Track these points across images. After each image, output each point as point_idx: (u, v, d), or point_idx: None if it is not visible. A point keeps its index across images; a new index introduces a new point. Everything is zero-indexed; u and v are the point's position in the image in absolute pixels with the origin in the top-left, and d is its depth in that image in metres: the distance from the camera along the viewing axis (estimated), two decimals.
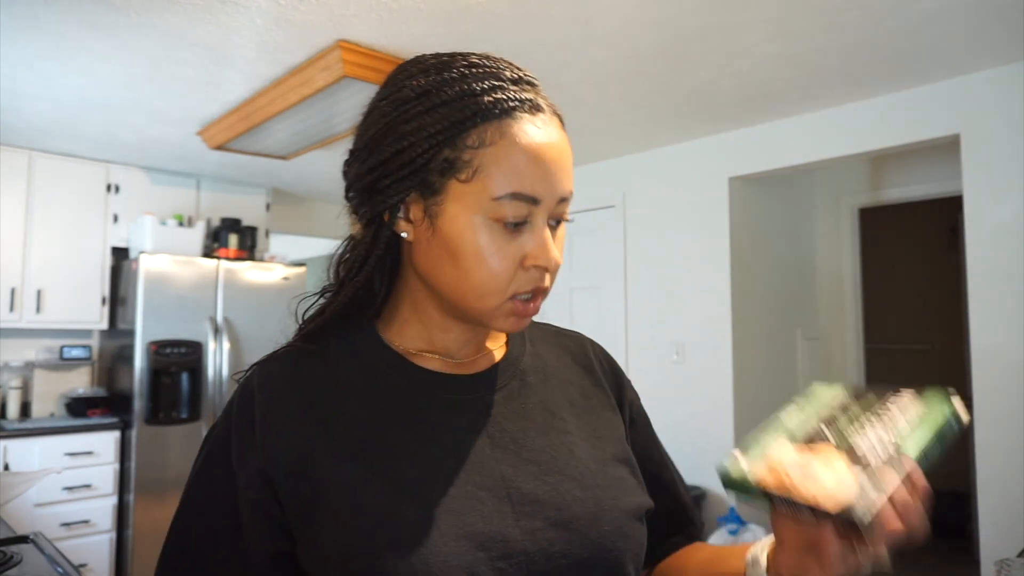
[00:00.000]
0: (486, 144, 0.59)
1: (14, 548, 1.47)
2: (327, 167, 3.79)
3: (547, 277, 0.62)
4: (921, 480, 0.52)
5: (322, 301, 0.70)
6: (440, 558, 0.55)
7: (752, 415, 3.30)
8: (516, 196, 0.59)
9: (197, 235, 3.77)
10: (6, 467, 3.15)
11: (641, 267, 3.62)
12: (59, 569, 1.38)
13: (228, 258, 3.78)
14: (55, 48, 2.32)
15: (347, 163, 0.67)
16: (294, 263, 4.02)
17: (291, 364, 0.65)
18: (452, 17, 2.10)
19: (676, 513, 0.77)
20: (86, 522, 3.32)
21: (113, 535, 3.41)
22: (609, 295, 3.75)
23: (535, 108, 0.62)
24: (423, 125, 0.60)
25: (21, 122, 3.12)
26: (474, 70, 0.62)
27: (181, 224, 3.79)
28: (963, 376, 3.93)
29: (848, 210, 3.91)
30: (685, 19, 2.11)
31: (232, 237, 3.91)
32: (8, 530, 1.74)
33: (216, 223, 4.08)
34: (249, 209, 4.30)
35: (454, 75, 0.61)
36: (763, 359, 3.42)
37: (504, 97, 0.60)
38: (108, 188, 3.78)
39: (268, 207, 4.43)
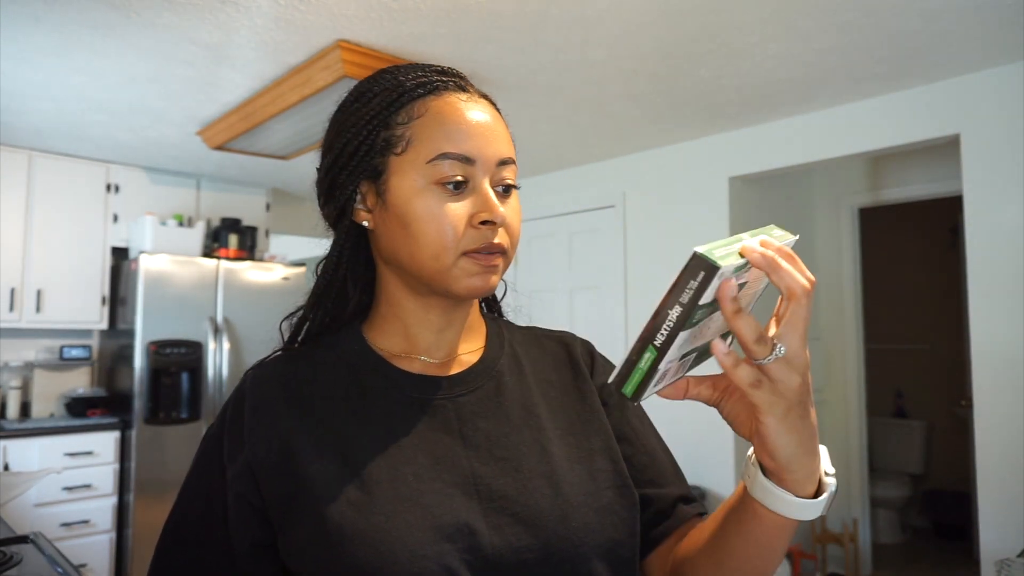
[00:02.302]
0: (414, 118, 0.66)
1: (14, 548, 1.47)
2: None
3: (499, 233, 0.65)
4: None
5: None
6: (408, 548, 0.57)
7: None
8: (447, 155, 0.64)
9: (197, 235, 3.77)
10: (6, 467, 3.15)
11: (641, 267, 3.62)
12: (59, 569, 1.38)
13: (228, 258, 3.78)
14: (55, 47, 2.32)
15: (316, 179, 0.73)
16: (294, 263, 4.02)
17: (281, 367, 0.70)
18: (452, 17, 2.10)
19: (657, 500, 0.72)
20: (86, 522, 3.32)
21: (113, 535, 3.41)
22: (609, 295, 3.75)
23: (460, 88, 0.68)
24: (360, 116, 0.68)
25: (21, 122, 3.12)
26: (401, 69, 0.70)
27: (181, 224, 3.79)
28: (963, 376, 3.94)
29: (848, 210, 3.91)
30: (685, 19, 2.11)
31: (232, 237, 3.91)
32: (8, 530, 1.74)
33: (216, 223, 4.08)
34: (249, 209, 4.30)
35: (385, 75, 0.70)
36: None
37: (427, 80, 0.67)
38: (108, 188, 3.78)
39: (268, 207, 4.43)
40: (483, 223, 0.64)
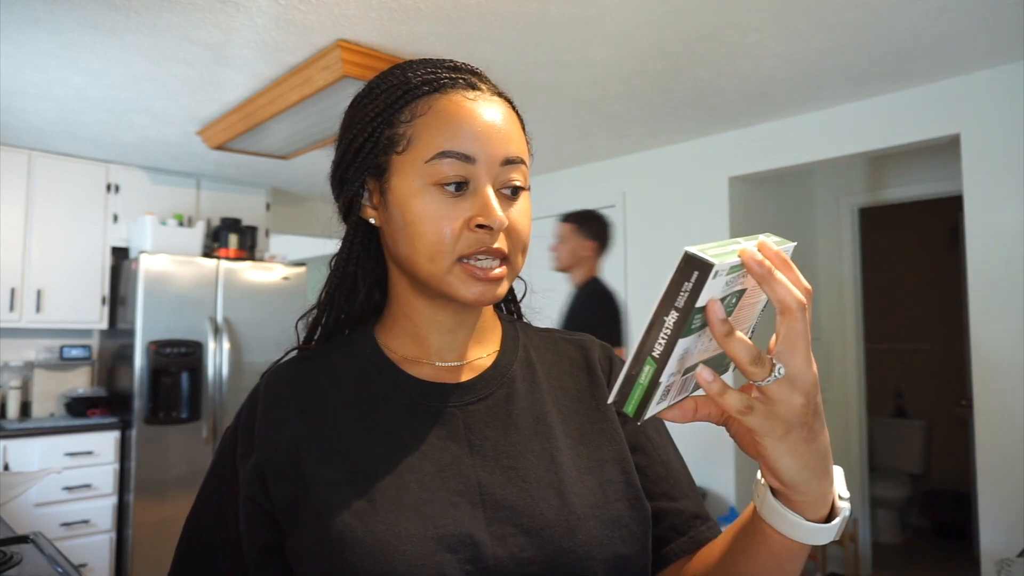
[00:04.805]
0: (417, 116, 0.64)
1: (14, 548, 1.47)
2: (327, 167, 3.72)
3: (499, 238, 0.63)
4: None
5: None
6: (406, 558, 0.56)
7: None
8: (445, 154, 0.62)
9: (197, 235, 3.77)
10: (6, 467, 3.15)
11: (641, 267, 3.62)
12: (59, 569, 1.38)
13: (228, 258, 3.78)
14: (55, 47, 2.32)
15: (330, 172, 0.73)
16: (294, 263, 4.02)
17: (294, 369, 0.69)
18: (452, 17, 2.10)
19: (670, 514, 0.70)
20: (86, 522, 3.32)
21: (113, 535, 3.40)
22: None
23: (470, 86, 0.66)
24: (366, 112, 0.67)
25: (21, 122, 3.12)
26: (412, 64, 0.68)
27: (181, 224, 3.79)
28: (963, 376, 3.94)
29: (848, 210, 3.91)
30: (685, 19, 2.11)
31: (232, 237, 3.91)
32: (8, 530, 1.74)
33: (216, 223, 4.08)
34: (249, 209, 4.30)
35: (395, 71, 0.68)
36: None
37: (434, 77, 0.65)
38: (108, 188, 3.78)
39: (268, 207, 4.43)
40: (480, 226, 0.62)
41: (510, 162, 0.64)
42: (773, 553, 0.55)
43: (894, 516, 4.38)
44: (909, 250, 4.91)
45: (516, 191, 0.65)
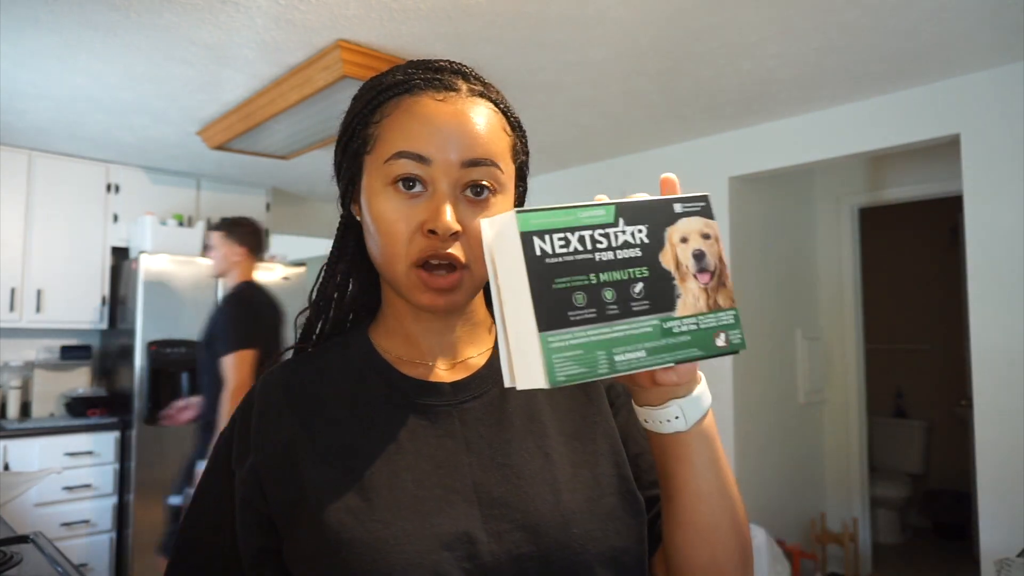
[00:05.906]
0: (385, 117, 0.65)
1: (14, 548, 1.47)
2: (327, 167, 3.73)
3: (454, 244, 0.61)
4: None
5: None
6: (404, 557, 0.56)
7: (752, 414, 3.30)
8: (401, 154, 0.62)
9: (197, 235, 3.77)
10: (6, 467, 3.15)
11: None
12: (59, 569, 1.38)
13: None
14: (55, 48, 2.32)
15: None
16: (294, 263, 4.02)
17: (290, 371, 0.69)
18: (452, 17, 2.10)
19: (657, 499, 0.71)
20: (86, 522, 3.32)
21: (113, 535, 3.41)
22: None
23: (445, 87, 0.64)
24: (350, 113, 0.69)
25: (21, 122, 3.12)
26: (398, 67, 0.68)
27: (181, 224, 3.79)
28: (963, 376, 3.94)
29: (848, 210, 3.91)
30: (685, 19, 2.11)
31: None
32: (8, 530, 1.74)
33: (216, 223, 4.08)
34: (249, 209, 4.29)
35: (380, 73, 0.69)
36: (763, 359, 3.42)
37: (405, 79, 0.65)
38: (108, 188, 3.78)
39: (268, 207, 4.43)
40: (432, 231, 0.61)
41: (475, 164, 0.62)
42: (682, 460, 0.60)
43: (894, 516, 4.39)
44: (909, 250, 4.91)
45: (483, 193, 0.63)
